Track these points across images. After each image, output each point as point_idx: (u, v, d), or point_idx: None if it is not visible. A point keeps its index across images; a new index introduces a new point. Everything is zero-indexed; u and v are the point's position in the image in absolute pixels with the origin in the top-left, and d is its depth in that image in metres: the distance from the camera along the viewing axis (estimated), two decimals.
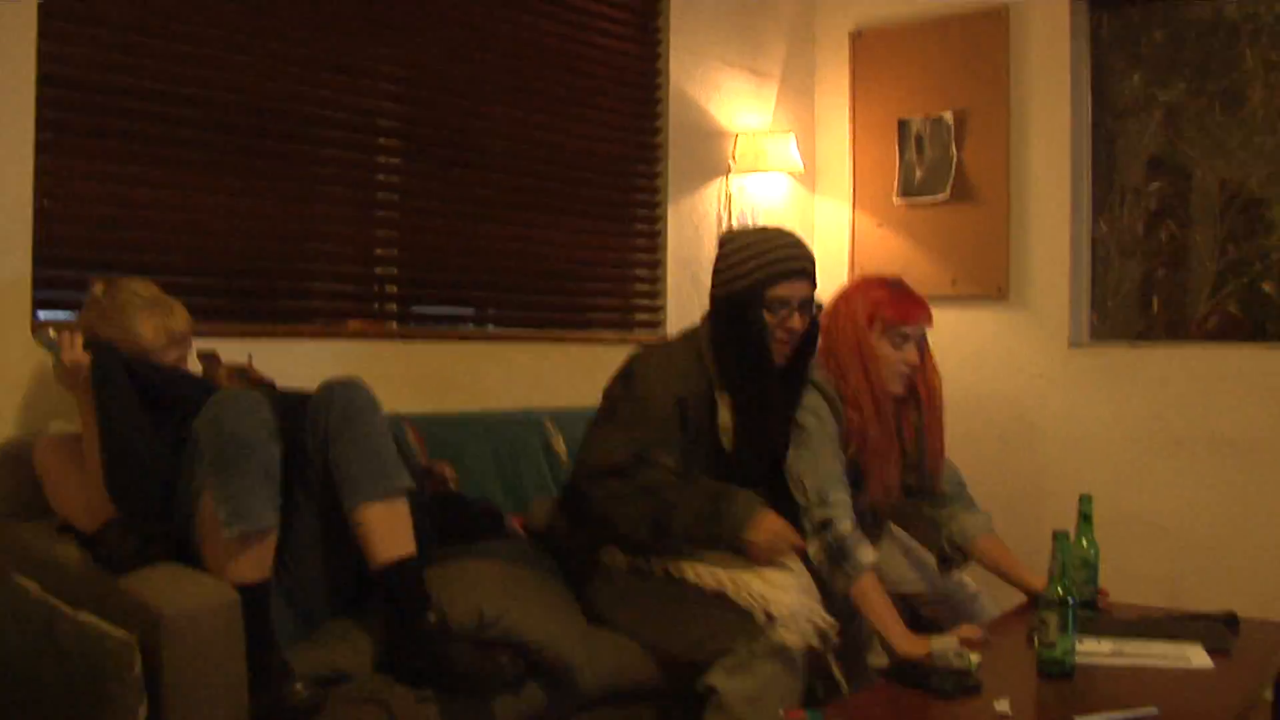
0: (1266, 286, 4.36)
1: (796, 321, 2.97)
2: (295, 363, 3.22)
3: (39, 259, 2.96)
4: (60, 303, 3.03)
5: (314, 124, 3.52)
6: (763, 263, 2.97)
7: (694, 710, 2.83)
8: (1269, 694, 3.01)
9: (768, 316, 2.96)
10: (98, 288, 2.77)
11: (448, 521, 2.99)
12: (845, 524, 2.95)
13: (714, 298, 3.07)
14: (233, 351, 3.01)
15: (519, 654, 2.67)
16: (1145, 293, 4.58)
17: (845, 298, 3.19)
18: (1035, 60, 4.66)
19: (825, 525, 2.95)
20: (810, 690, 2.87)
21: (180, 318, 2.81)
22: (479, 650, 2.55)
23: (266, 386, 2.91)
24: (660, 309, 4.56)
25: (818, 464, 3.01)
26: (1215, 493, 4.32)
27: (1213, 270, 4.42)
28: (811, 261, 3.04)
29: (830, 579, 2.92)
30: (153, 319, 2.75)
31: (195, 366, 2.93)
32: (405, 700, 2.46)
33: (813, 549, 2.94)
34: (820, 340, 3.13)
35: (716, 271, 3.07)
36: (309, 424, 2.63)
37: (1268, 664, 2.85)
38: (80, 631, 2.30)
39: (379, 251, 3.72)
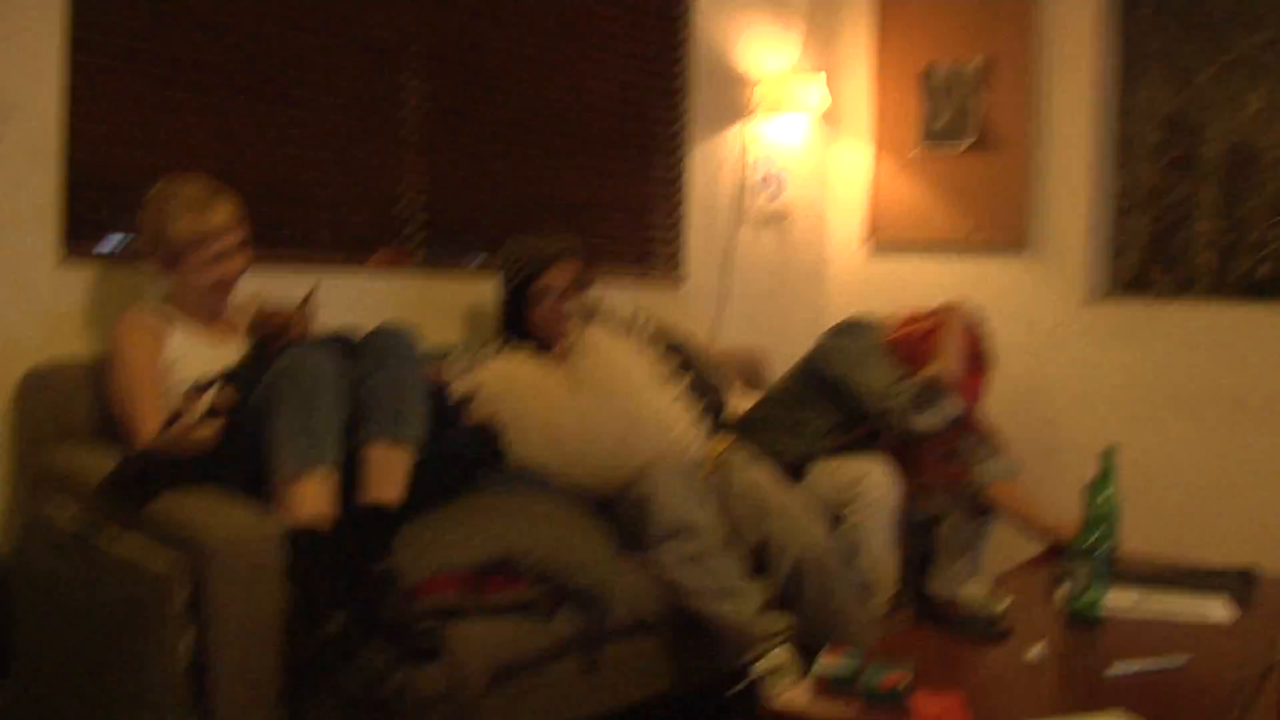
0: None
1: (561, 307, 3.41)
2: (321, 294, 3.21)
3: (68, 185, 2.94)
4: (88, 231, 3.01)
5: (341, 52, 3.49)
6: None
7: (709, 638, 2.94)
8: None
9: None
10: (158, 185, 2.82)
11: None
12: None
13: None
14: (257, 282, 3.02)
15: (553, 586, 2.69)
16: (1162, 249, 4.56)
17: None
18: (1063, 8, 4.61)
19: (904, 390, 3.51)
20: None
21: (217, 214, 2.82)
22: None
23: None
24: (678, 252, 4.54)
25: (872, 365, 3.58)
26: (1229, 450, 4.34)
27: (1228, 229, 4.40)
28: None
29: (922, 424, 3.51)
30: (191, 213, 2.79)
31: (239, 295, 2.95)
32: None
33: (905, 417, 3.51)
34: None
35: None
36: (355, 366, 2.65)
37: None
38: (120, 562, 2.29)
39: (404, 185, 3.70)
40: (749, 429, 3.66)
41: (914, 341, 3.73)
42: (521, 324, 3.46)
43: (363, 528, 2.53)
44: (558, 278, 3.42)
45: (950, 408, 3.60)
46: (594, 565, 2.83)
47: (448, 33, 3.75)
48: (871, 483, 3.43)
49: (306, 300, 3.00)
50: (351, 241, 3.61)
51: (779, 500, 3.25)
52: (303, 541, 2.37)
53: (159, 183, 2.84)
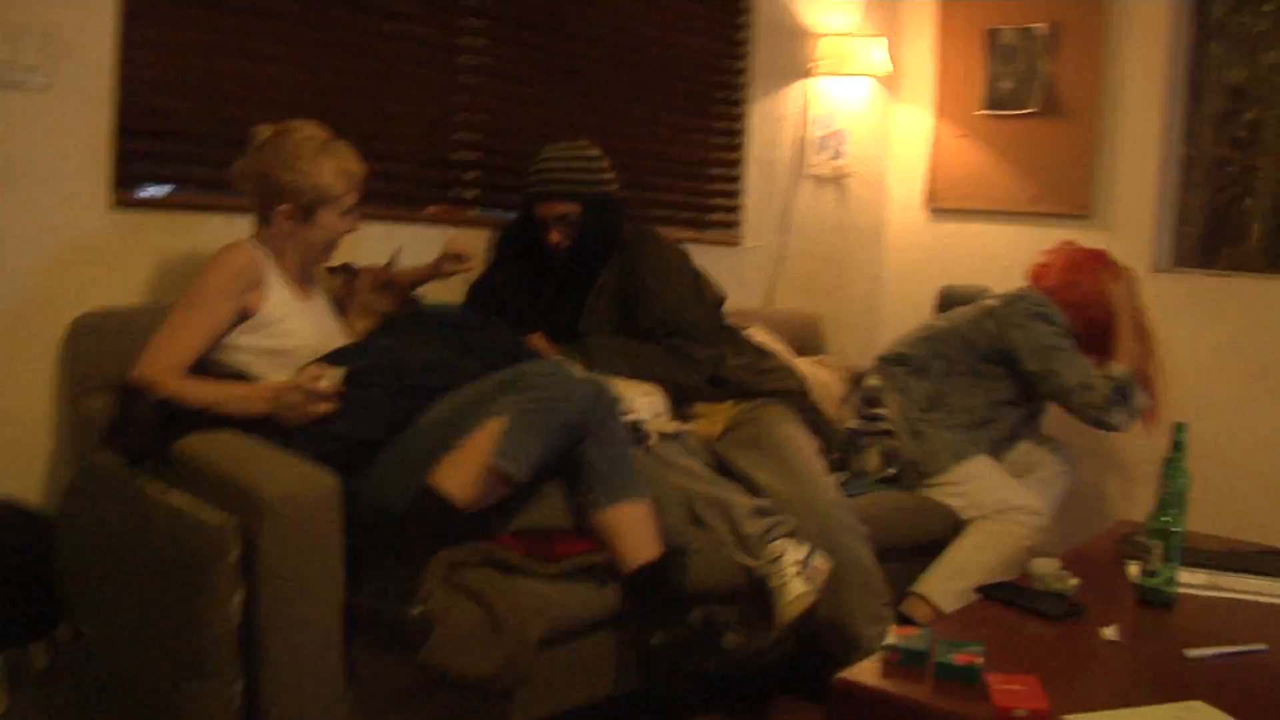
0: None
1: (554, 236, 3.28)
2: (372, 245, 3.14)
3: (120, 130, 2.87)
4: (139, 177, 2.95)
5: None
6: (527, 182, 3.33)
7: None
8: None
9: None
10: (264, 131, 2.71)
11: None
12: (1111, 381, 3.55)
13: None
14: None
15: None
16: (1226, 221, 4.44)
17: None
18: None
19: (1100, 385, 3.52)
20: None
21: (354, 159, 2.77)
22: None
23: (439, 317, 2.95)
24: (736, 209, 4.45)
25: (1074, 367, 3.57)
26: None
27: None
28: (566, 182, 3.27)
29: (1116, 420, 3.55)
30: (331, 161, 2.71)
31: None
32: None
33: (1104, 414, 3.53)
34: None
35: None
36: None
37: None
38: (172, 514, 2.22)
39: (460, 135, 3.62)
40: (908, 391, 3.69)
41: (1068, 297, 3.73)
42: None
43: (643, 592, 2.66)
44: (552, 210, 3.34)
45: (1142, 401, 3.62)
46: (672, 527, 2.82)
47: None
48: (1033, 512, 3.50)
49: (391, 264, 2.96)
50: (407, 193, 3.54)
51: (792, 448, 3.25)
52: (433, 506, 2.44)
53: (268, 126, 2.72)
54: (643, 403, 3.12)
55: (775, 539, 2.92)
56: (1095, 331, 3.69)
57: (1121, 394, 3.53)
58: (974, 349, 3.69)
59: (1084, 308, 3.71)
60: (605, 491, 2.66)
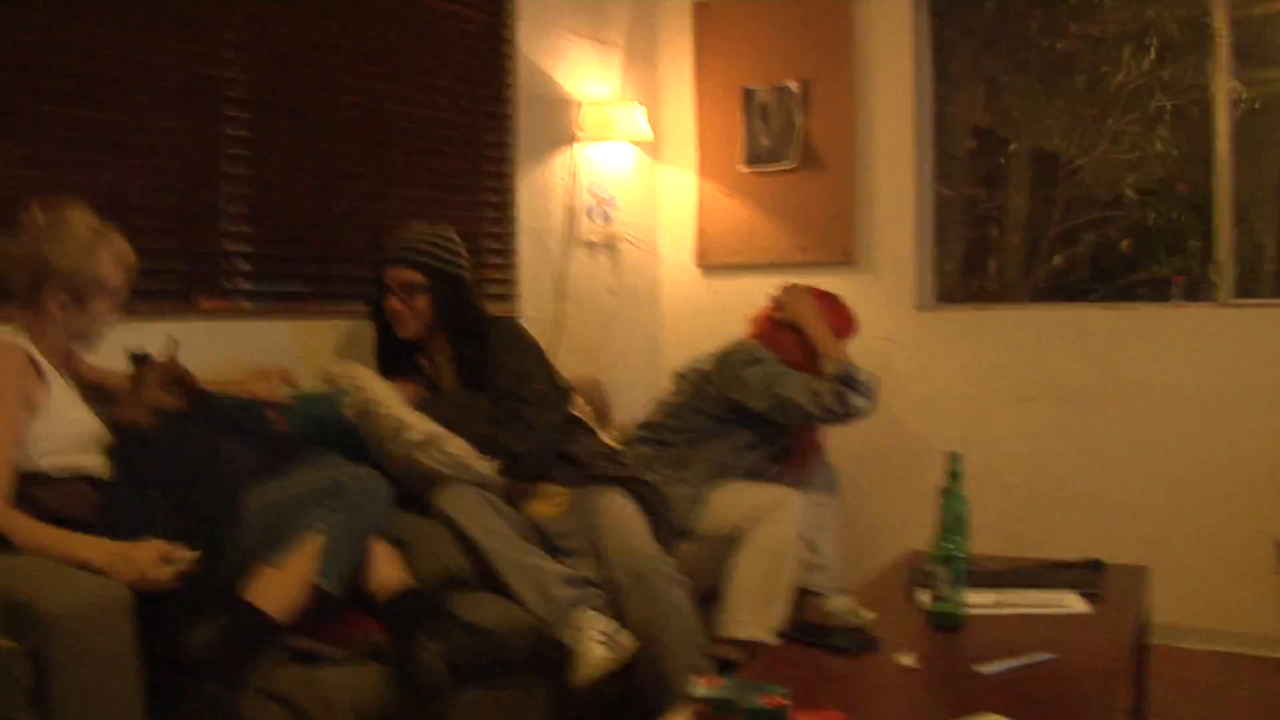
0: (1092, 247, 4.52)
1: (394, 303, 3.49)
2: (145, 339, 3.03)
3: None
4: None
5: (155, 86, 3.32)
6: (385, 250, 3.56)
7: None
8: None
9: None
10: (38, 214, 2.60)
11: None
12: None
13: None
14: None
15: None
16: (983, 256, 4.69)
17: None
18: (877, 29, 4.71)
19: (824, 386, 3.71)
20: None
21: (128, 248, 2.71)
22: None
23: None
24: (512, 280, 4.48)
25: (787, 381, 3.75)
26: (1059, 444, 4.46)
27: (1044, 234, 4.55)
28: (416, 252, 3.49)
29: (860, 404, 3.74)
30: (109, 250, 2.66)
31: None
32: None
33: (842, 406, 3.72)
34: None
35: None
36: None
37: (1137, 604, 2.95)
38: None
39: (228, 225, 3.54)
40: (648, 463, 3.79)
41: (778, 333, 3.95)
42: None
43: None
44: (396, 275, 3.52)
45: (869, 378, 3.80)
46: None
47: (268, 65, 3.62)
48: (789, 505, 3.60)
49: (174, 358, 2.86)
50: (176, 287, 3.43)
51: (614, 514, 3.31)
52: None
53: (39, 208, 2.61)
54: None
55: (584, 609, 2.95)
56: (805, 352, 3.90)
57: (846, 382, 3.73)
58: (706, 414, 3.89)
59: (781, 337, 3.95)
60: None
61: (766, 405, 3.78)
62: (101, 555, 2.28)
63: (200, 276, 3.50)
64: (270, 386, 3.12)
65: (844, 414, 3.74)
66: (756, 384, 3.79)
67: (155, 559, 2.28)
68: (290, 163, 3.71)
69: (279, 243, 3.67)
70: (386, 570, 2.72)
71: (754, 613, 3.41)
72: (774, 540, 3.53)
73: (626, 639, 2.95)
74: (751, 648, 3.31)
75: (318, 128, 3.79)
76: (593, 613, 2.98)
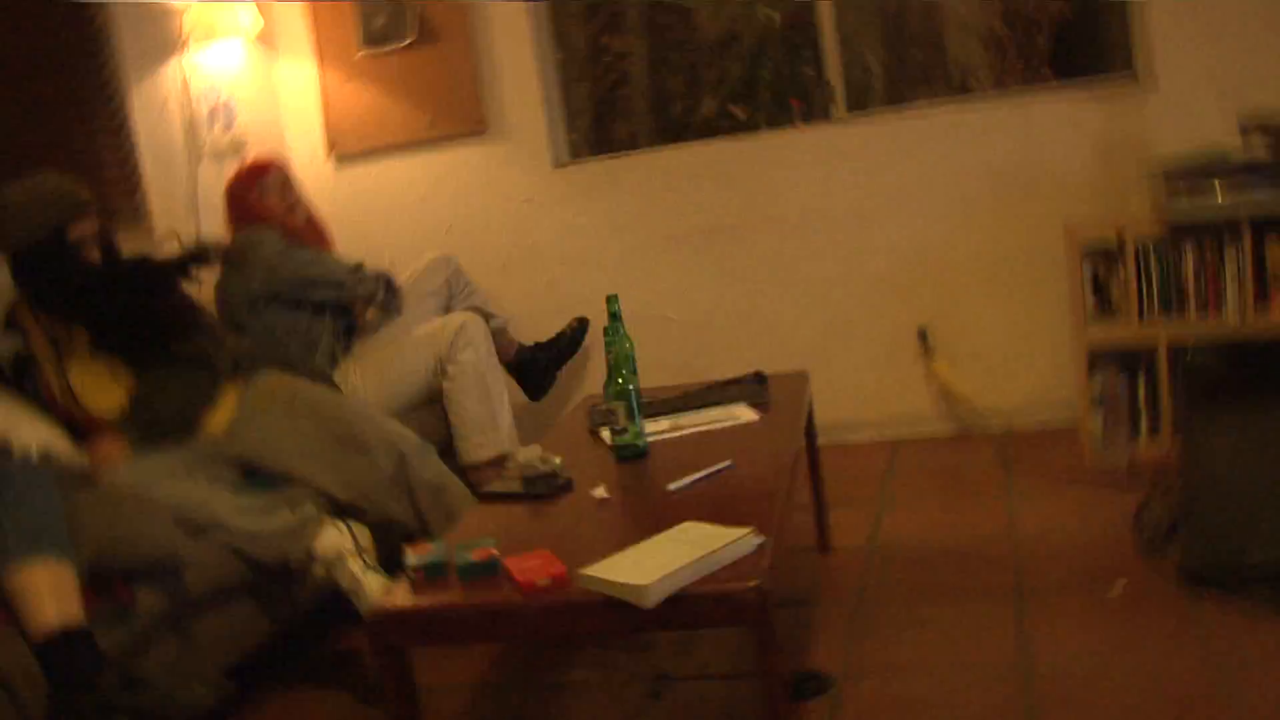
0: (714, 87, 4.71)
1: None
2: None
3: None
4: None
5: None
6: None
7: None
8: None
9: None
10: None
11: None
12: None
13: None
14: None
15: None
16: (610, 107, 4.82)
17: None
18: None
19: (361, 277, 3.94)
20: None
21: None
22: None
23: None
24: (139, 200, 4.27)
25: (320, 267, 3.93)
26: (712, 275, 4.70)
27: (667, 79, 4.71)
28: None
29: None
30: None
31: None
32: None
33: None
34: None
35: None
36: None
37: (800, 405, 3.19)
38: None
39: None
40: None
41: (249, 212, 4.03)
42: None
43: None
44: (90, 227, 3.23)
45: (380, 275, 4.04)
46: (160, 541, 2.70)
47: None
48: (467, 326, 3.79)
49: None
50: None
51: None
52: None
53: None
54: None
55: (313, 533, 2.91)
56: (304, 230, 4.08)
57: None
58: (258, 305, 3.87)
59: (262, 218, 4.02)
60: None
61: (309, 292, 3.91)
62: None
63: None
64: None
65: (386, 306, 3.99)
66: (284, 270, 3.87)
67: None
68: None
69: None
70: (48, 604, 2.40)
71: (486, 431, 3.56)
72: (472, 362, 3.64)
73: (364, 536, 2.93)
74: (499, 462, 3.44)
75: None
76: (325, 535, 2.91)
